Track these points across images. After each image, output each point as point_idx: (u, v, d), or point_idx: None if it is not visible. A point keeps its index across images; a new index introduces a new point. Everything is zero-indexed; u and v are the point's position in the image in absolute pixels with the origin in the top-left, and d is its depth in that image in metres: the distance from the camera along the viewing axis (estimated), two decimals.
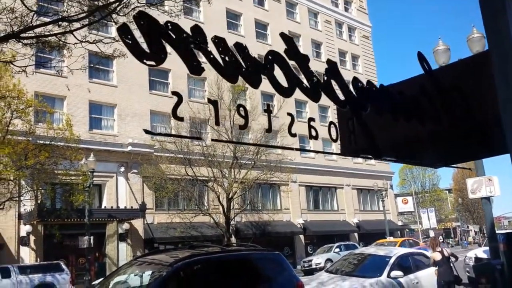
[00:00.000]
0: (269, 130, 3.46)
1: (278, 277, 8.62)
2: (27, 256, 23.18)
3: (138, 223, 26.80)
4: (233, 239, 30.17)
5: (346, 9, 48.97)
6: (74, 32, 7.45)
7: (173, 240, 26.99)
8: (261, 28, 39.16)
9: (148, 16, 2.57)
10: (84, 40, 7.76)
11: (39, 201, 23.02)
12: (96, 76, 27.83)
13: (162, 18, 3.15)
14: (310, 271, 26.30)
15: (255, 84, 3.06)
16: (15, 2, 7.31)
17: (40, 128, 22.14)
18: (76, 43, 7.59)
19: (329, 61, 3.74)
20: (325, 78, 3.55)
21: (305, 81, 3.32)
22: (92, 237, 22.05)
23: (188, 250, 9.49)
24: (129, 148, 26.76)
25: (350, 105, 3.69)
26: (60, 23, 7.24)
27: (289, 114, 3.56)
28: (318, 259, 28.47)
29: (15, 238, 23.01)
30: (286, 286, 8.64)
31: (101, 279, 9.57)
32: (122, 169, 27.00)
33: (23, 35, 6.95)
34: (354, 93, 3.71)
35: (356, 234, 40.31)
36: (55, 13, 7.65)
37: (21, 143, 19.53)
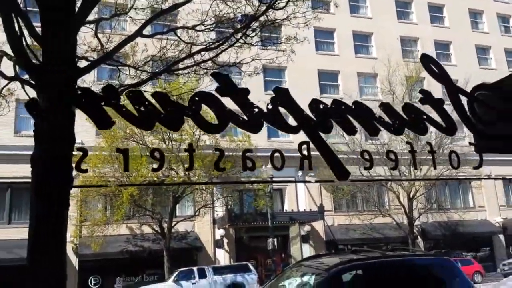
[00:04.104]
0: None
1: (447, 285, 7.93)
2: (222, 257, 25.79)
3: (318, 225, 27.44)
4: (420, 241, 28.57)
5: None
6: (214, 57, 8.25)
7: (354, 241, 26.84)
8: (435, 11, 36.43)
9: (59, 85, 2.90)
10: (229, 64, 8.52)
11: (228, 207, 25.40)
12: (271, 88, 29.53)
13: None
14: (511, 275, 23.22)
15: (175, 127, 3.11)
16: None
17: (224, 141, 24.45)
18: (216, 68, 8.41)
19: (277, 89, 3.49)
20: (270, 106, 3.30)
21: (242, 114, 3.13)
22: (276, 239, 23.42)
23: (350, 254, 9.41)
24: (305, 152, 27.56)
25: (305, 130, 3.36)
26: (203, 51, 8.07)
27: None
28: None
29: (211, 241, 25.84)
30: None
31: (268, 282, 10.15)
32: (300, 173, 27.99)
33: (175, 67, 7.96)
34: (312, 116, 3.35)
35: None
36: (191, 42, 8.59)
37: (208, 156, 21.88)
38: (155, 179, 20.42)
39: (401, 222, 26.71)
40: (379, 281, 7.76)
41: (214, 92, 3.43)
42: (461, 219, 30.03)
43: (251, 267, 21.82)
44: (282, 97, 3.65)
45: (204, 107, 3.43)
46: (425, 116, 3.72)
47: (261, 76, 21.75)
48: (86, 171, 3.29)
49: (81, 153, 3.15)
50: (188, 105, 3.25)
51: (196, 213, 23.61)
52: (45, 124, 5.64)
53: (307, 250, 27.00)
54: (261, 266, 26.03)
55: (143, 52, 9.84)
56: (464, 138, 26.78)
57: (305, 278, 8.14)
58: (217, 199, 24.69)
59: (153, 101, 3.26)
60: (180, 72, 8.48)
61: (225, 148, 19.98)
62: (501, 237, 31.94)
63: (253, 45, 8.56)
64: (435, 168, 3.96)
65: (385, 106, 3.75)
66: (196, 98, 3.30)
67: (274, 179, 24.64)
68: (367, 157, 3.83)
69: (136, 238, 24.48)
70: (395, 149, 25.82)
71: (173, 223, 22.55)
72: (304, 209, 26.81)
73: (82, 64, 7.04)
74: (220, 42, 8.21)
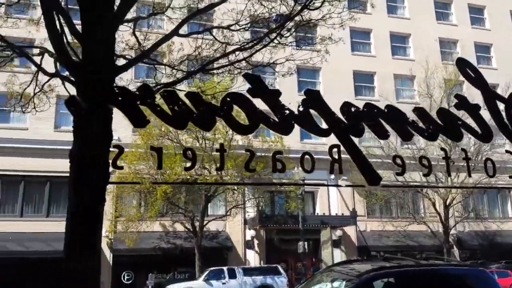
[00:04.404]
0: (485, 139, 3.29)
1: None
2: (252, 258, 25.82)
3: (351, 230, 27.09)
4: (455, 250, 27.76)
5: None
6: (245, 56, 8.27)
7: (387, 249, 26.32)
8: (476, 12, 35.38)
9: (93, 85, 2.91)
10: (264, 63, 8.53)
11: (259, 208, 25.41)
12: (305, 88, 29.37)
13: None
14: None
15: (208, 127, 3.09)
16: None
17: (256, 142, 24.48)
18: (249, 68, 8.43)
19: (308, 91, 3.40)
20: (301, 109, 3.21)
21: (273, 116, 3.06)
22: (307, 243, 23.27)
23: (382, 262, 9.23)
24: (335, 156, 27.28)
25: (336, 133, 3.25)
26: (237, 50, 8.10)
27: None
28: None
29: (241, 241, 25.92)
30: None
31: (298, 286, 10.09)
32: (332, 176, 27.71)
33: (209, 66, 8.03)
34: (344, 119, 3.24)
35: None
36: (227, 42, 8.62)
37: (241, 156, 21.95)
38: (188, 177, 20.66)
39: (436, 231, 26.01)
40: None
41: (245, 93, 3.44)
42: (499, 229, 28.99)
43: (281, 270, 21.76)
44: (313, 99, 3.62)
45: (236, 107, 3.45)
46: (460, 122, 3.61)
47: (294, 76, 21.66)
48: (122, 168, 3.37)
49: (117, 150, 3.22)
50: (220, 105, 3.27)
51: (228, 213, 23.76)
52: (84, 121, 5.81)
53: (338, 255, 26.69)
54: (291, 269, 25.92)
55: (179, 51, 9.99)
56: (504, 145, 25.90)
57: (335, 284, 8.04)
58: (248, 200, 24.76)
59: (186, 101, 3.30)
60: (214, 71, 8.55)
61: (257, 149, 20.12)
62: None
63: (287, 45, 8.54)
64: (469, 175, 3.83)
65: (420, 111, 3.66)
66: (228, 99, 3.32)
67: (306, 181, 24.55)
68: (400, 162, 3.74)
69: (168, 235, 24.83)
70: (431, 154, 25.08)
71: (205, 222, 22.76)
72: (336, 213, 26.53)
73: (120, 62, 7.20)
74: (255, 42, 8.23)
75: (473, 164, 26.07)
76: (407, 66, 30.40)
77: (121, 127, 15.88)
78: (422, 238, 27.22)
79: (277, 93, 3.51)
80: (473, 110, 3.66)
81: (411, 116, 3.94)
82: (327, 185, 28.04)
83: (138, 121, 3.17)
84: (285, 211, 25.39)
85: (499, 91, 32.30)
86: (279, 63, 8.82)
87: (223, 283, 20.37)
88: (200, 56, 9.10)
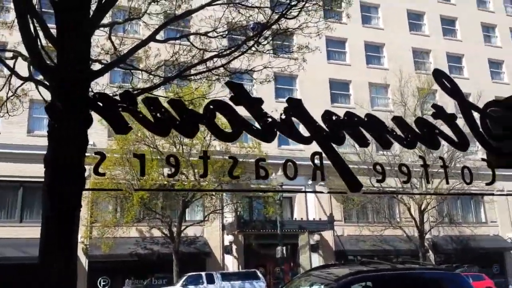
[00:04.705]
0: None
1: None
2: (230, 263, 25.75)
3: (328, 235, 27.28)
4: (431, 254, 28.24)
5: None
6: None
7: (364, 253, 26.57)
8: (448, 24, 36.22)
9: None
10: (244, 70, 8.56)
11: (238, 213, 25.38)
12: (282, 95, 29.53)
13: None
14: None
15: (191, 134, 3.14)
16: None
17: (234, 148, 24.47)
18: (232, 74, 8.44)
19: (290, 100, 3.49)
20: (283, 117, 3.30)
21: (256, 124, 3.12)
22: (285, 248, 23.29)
23: (359, 266, 9.33)
24: (316, 161, 27.50)
25: (318, 141, 3.34)
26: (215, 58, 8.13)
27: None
28: None
29: (219, 247, 25.82)
30: None
31: None
32: (310, 182, 27.90)
33: (187, 72, 8.01)
34: (325, 127, 3.33)
35: None
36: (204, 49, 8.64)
37: (218, 161, 21.88)
38: (165, 183, 20.52)
39: (411, 235, 26.44)
40: None
41: (227, 100, 3.46)
42: (472, 233, 29.61)
43: (260, 275, 21.75)
44: (295, 107, 3.67)
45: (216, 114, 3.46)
46: (437, 131, 3.70)
47: (272, 84, 21.77)
48: (104, 174, 3.35)
49: (96, 155, 3.20)
50: (203, 113, 3.28)
51: (206, 218, 23.65)
52: (59, 126, 5.73)
53: (316, 260, 26.82)
54: (269, 274, 25.93)
55: (156, 57, 9.95)
56: (477, 152, 26.54)
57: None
58: (226, 205, 24.72)
59: (169, 108, 3.30)
60: (192, 77, 8.54)
61: (235, 155, 19.98)
62: None
63: (265, 53, 8.59)
64: (447, 183, 3.93)
65: (398, 120, 3.75)
66: (211, 106, 3.33)
67: (284, 187, 24.63)
68: (380, 169, 3.81)
69: (145, 241, 24.57)
70: (406, 161, 25.69)
71: (183, 227, 22.60)
72: (314, 218, 26.69)
73: (96, 66, 7.13)
74: (233, 49, 8.25)
75: (448, 171, 26.74)
76: (382, 75, 30.92)
77: (94, 132, 15.75)
78: (398, 243, 27.60)
79: (259, 101, 3.54)
80: (450, 119, 3.76)
81: (390, 125, 4.02)
82: (306, 192, 28.20)
83: (120, 128, 3.15)
84: (263, 216, 25.42)
85: (470, 100, 33.22)
86: (256, 71, 8.87)
87: None
88: (178, 62, 9.07)
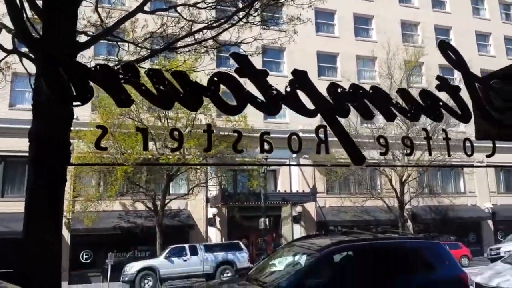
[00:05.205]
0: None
1: (436, 268, 8.07)
2: (214, 235, 26.03)
3: (310, 206, 27.71)
4: (410, 224, 28.99)
5: None
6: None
7: (345, 223, 27.12)
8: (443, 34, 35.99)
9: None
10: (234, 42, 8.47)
11: (222, 186, 25.51)
12: (270, 68, 29.35)
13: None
14: (497, 260, 23.69)
15: (194, 107, 3.08)
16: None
17: (220, 121, 24.40)
18: (226, 44, 8.34)
19: (295, 71, 3.46)
20: (288, 89, 3.30)
21: (261, 96, 3.13)
22: (268, 219, 23.63)
23: (341, 236, 9.55)
24: (300, 134, 27.62)
25: (323, 114, 3.36)
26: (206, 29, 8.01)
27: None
28: (508, 247, 25.40)
29: (203, 219, 26.04)
30: (445, 278, 8.05)
31: (260, 261, 10.34)
32: (294, 155, 28.12)
33: (175, 45, 7.89)
34: (330, 100, 3.36)
35: None
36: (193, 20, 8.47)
37: (204, 135, 21.81)
38: (150, 156, 20.44)
39: (392, 205, 27.03)
40: (369, 263, 7.91)
41: (232, 73, 3.42)
42: (451, 204, 30.40)
43: (243, 246, 22.02)
44: (299, 79, 3.61)
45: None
46: (441, 103, 3.74)
47: (260, 56, 21.59)
48: (106, 149, 3.30)
49: (101, 130, 3.15)
50: (207, 85, 3.22)
51: (190, 192, 23.73)
52: (44, 99, 5.64)
53: (298, 231, 27.30)
54: (252, 245, 26.34)
55: (143, 28, 9.74)
56: (459, 125, 26.89)
57: (297, 258, 8.29)
58: (210, 178, 24.80)
59: (172, 80, 3.25)
60: (181, 50, 8.41)
61: (220, 128, 20.07)
62: (490, 222, 32.46)
63: (255, 24, 8.48)
64: (430, 154, 3.99)
65: (402, 92, 3.75)
66: (215, 79, 3.24)
67: (269, 160, 24.80)
68: (383, 142, 3.84)
69: (129, 214, 24.60)
70: (390, 133, 25.97)
71: (166, 201, 22.66)
72: (297, 191, 27.02)
73: (82, 39, 6.98)
74: (222, 21, 8.13)
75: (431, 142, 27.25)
76: (369, 47, 30.89)
77: (78, 106, 15.46)
78: (378, 213, 28.22)
79: (265, 73, 3.46)
80: (454, 91, 3.79)
81: (394, 97, 4.05)
82: (291, 165, 28.40)
83: (122, 101, 3.07)
84: (247, 189, 25.62)
85: (456, 73, 33.41)
86: (247, 43, 8.76)
87: (185, 260, 20.43)
88: (166, 33, 8.90)
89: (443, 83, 3.79)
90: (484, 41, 36.98)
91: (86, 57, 8.58)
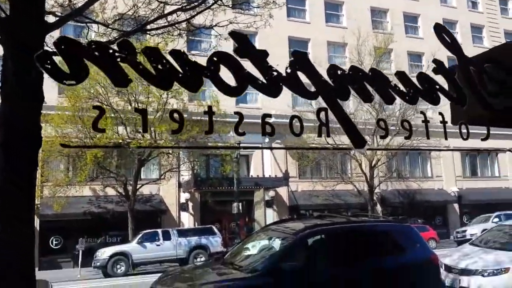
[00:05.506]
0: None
1: (408, 250, 8.30)
2: (187, 220, 26.00)
3: (283, 191, 27.95)
4: (379, 208, 29.63)
5: None
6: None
7: (317, 207, 27.57)
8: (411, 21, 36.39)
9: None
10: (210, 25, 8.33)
11: (194, 171, 25.41)
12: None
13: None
14: (463, 242, 24.50)
15: (194, 88, 2.99)
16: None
17: (192, 106, 24.20)
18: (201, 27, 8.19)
19: (295, 53, 3.44)
20: (289, 70, 3.28)
21: (261, 77, 3.10)
22: (241, 204, 23.73)
23: (315, 219, 9.68)
24: (272, 119, 27.63)
25: (323, 96, 3.34)
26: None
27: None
28: (473, 230, 26.32)
29: (175, 204, 25.94)
30: (417, 260, 8.29)
31: (236, 245, 10.40)
32: (267, 140, 28.18)
33: (148, 27, 7.72)
34: (330, 82, 3.36)
35: None
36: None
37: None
38: (120, 141, 20.13)
39: (362, 189, 27.56)
40: (343, 246, 8.06)
41: (232, 53, 3.30)
42: (419, 187, 31.20)
43: (216, 230, 22.06)
44: (300, 61, 3.51)
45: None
46: (437, 86, 3.75)
47: (231, 41, 21.37)
48: (104, 130, 3.16)
49: (98, 112, 3.01)
50: (206, 65, 3.08)
51: (162, 177, 23.54)
52: (14, 81, 5.43)
53: (271, 215, 27.55)
54: (225, 230, 26.43)
55: (113, 10, 9.47)
56: (428, 110, 27.50)
57: (272, 242, 8.37)
58: (183, 163, 24.64)
59: (171, 59, 3.11)
60: (153, 32, 8.22)
61: (192, 113, 19.82)
62: (456, 206, 33.53)
63: (230, 7, 8.35)
64: (428, 138, 3.98)
65: (400, 75, 3.72)
66: (215, 58, 3.11)
67: (242, 145, 24.75)
68: (383, 125, 3.81)
69: (99, 199, 24.26)
70: (360, 118, 26.29)
71: (138, 186, 22.42)
72: (270, 175, 27.17)
73: (50, 19, 6.72)
74: (196, 3, 7.97)
75: (398, 128, 27.55)
76: (340, 33, 31.02)
77: (45, 89, 15.04)
78: (348, 197, 28.73)
79: (265, 53, 3.35)
80: (450, 75, 3.79)
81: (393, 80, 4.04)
82: (264, 147, 28.45)
83: (119, 80, 2.92)
84: (220, 174, 25.60)
85: (424, 60, 34.06)
86: (221, 26, 8.63)
87: (157, 245, 20.33)
88: (137, 15, 8.67)
89: (440, 67, 3.78)
90: (451, 28, 37.63)
91: (53, 40, 8.29)
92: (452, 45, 3.94)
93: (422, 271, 8.21)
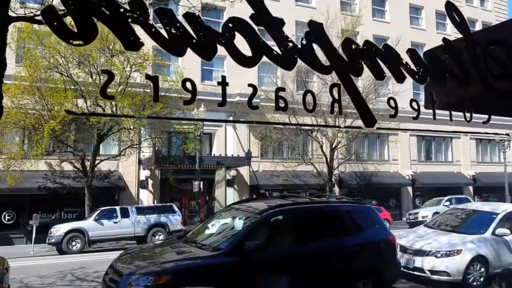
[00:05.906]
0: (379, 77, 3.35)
1: (367, 231, 8.55)
2: (146, 198, 25.69)
3: (244, 170, 28.04)
4: (336, 189, 30.28)
5: None
6: None
7: (277, 187, 27.88)
8: (379, 4, 36.73)
9: None
10: None
11: (156, 148, 25.01)
12: None
13: None
14: (415, 224, 25.53)
15: (208, 56, 2.82)
16: None
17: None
18: None
19: (311, 23, 3.33)
20: (304, 42, 3.18)
21: (276, 48, 3.00)
22: (202, 182, 23.62)
23: (279, 199, 9.77)
24: (237, 98, 27.52)
25: (337, 71, 3.28)
26: None
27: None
28: (425, 212, 27.49)
29: (135, 182, 25.54)
30: (375, 240, 8.56)
31: (199, 223, 10.38)
32: (231, 118, 28.08)
33: None
34: (344, 57, 3.30)
35: (471, 188, 37.88)
36: None
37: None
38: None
39: (321, 171, 28.02)
40: (306, 225, 8.21)
41: (248, 20, 3.08)
42: (376, 170, 32.05)
43: (176, 208, 21.91)
44: (316, 32, 3.31)
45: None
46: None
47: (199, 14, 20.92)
48: (113, 97, 2.91)
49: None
50: (221, 31, 2.86)
51: (122, 153, 23.06)
52: None
53: (231, 194, 27.65)
54: (184, 208, 26.35)
55: None
56: (388, 94, 28.07)
57: (236, 221, 8.41)
58: (144, 140, 24.20)
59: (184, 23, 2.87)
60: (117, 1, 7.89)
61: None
62: (409, 189, 34.75)
63: None
64: (434, 119, 3.95)
65: (412, 52, 3.63)
66: (230, 25, 2.91)
67: (205, 123, 24.55)
68: (393, 104, 3.71)
69: (55, 174, 23.58)
70: (324, 101, 26.29)
71: (96, 162, 21.90)
72: (232, 154, 27.16)
73: None
74: None
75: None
76: (309, 13, 30.89)
77: (81, 45, 14.15)
78: (308, 178, 29.19)
79: (281, 22, 3.14)
80: (457, 54, 3.79)
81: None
82: (230, 121, 28.33)
83: (131, 43, 2.62)
84: (182, 152, 25.34)
85: (389, 43, 34.48)
86: None
87: (115, 222, 19.99)
88: None
89: (448, 46, 3.76)
90: (417, 14, 38.41)
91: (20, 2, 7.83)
92: (461, 25, 3.92)
93: (380, 250, 8.51)
